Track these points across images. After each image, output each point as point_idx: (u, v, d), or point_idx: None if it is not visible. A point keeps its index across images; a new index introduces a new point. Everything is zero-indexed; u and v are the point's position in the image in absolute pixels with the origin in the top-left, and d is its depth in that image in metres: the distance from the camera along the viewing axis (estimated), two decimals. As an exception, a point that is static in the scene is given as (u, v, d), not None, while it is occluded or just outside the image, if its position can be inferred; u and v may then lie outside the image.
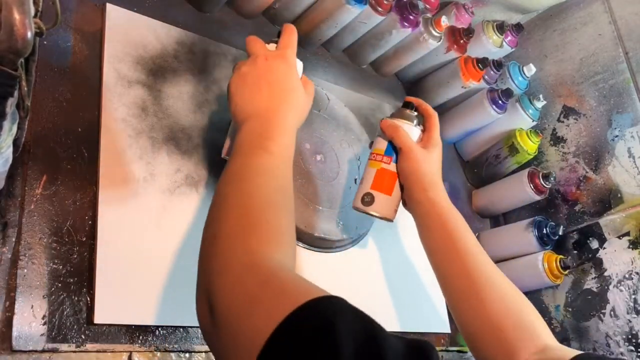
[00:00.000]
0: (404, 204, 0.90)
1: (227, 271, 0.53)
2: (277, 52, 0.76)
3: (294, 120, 0.73)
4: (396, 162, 0.88)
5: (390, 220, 0.89)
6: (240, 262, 0.52)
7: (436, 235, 0.82)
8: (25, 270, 0.65)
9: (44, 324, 0.64)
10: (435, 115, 0.92)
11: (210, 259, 0.57)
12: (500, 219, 1.39)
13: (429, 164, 0.86)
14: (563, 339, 1.20)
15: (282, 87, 0.73)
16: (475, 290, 0.75)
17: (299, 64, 0.80)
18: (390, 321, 1.00)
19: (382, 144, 0.90)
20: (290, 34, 0.79)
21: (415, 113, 0.92)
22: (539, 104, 1.29)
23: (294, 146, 0.71)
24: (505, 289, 0.76)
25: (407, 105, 0.92)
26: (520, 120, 1.29)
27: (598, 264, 1.20)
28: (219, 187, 0.64)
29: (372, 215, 0.89)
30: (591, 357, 0.62)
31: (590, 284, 1.20)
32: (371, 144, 0.94)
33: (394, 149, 0.88)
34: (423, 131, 0.92)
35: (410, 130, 0.89)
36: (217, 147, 0.90)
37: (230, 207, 0.60)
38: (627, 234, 1.16)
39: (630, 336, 1.11)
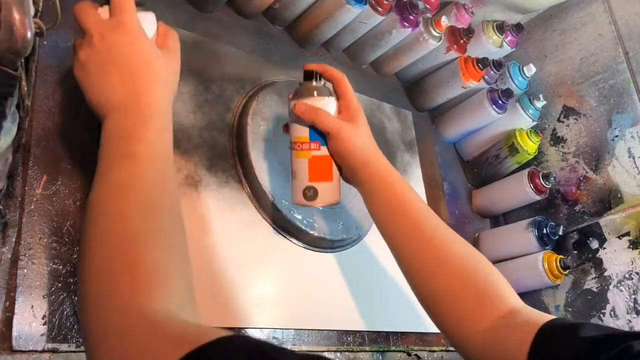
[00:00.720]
0: (346, 181, 0.82)
1: (105, 340, 0.45)
2: (113, 23, 0.61)
3: (161, 96, 0.62)
4: (325, 144, 0.78)
5: (336, 204, 0.81)
6: (115, 328, 0.45)
7: (385, 208, 0.76)
8: (25, 270, 0.64)
9: (44, 324, 0.64)
10: (343, 77, 0.82)
11: (85, 322, 0.49)
12: (500, 219, 1.39)
13: (361, 137, 0.77)
14: (563, 339, 1.20)
15: (132, 65, 0.60)
16: (433, 254, 0.70)
17: (148, 19, 0.66)
18: (390, 321, 1.00)
19: (302, 131, 0.78)
20: None
21: (323, 82, 0.81)
22: (539, 104, 1.29)
23: (170, 126, 0.62)
24: (464, 251, 0.71)
25: (310, 75, 0.80)
26: (520, 120, 1.29)
27: (598, 264, 1.20)
28: (87, 214, 0.54)
29: (317, 207, 0.81)
30: (565, 323, 0.57)
31: (590, 284, 1.20)
32: (286, 129, 0.84)
33: (319, 133, 0.78)
34: (337, 99, 0.81)
35: (327, 107, 0.78)
36: (217, 147, 0.90)
37: (93, 250, 0.51)
38: (627, 234, 1.16)
39: (630, 336, 1.11)
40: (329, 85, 0.82)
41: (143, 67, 0.61)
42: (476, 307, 0.66)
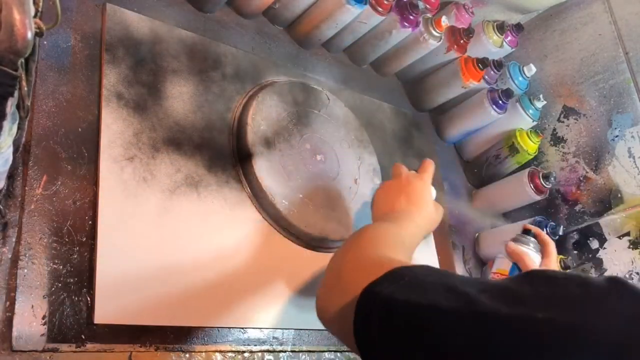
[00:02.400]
0: None
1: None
2: (417, 175, 0.90)
3: (421, 224, 0.81)
4: None
5: None
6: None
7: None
8: (26, 271, 0.64)
9: (44, 324, 0.64)
10: (552, 243, 0.98)
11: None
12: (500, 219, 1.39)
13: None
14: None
15: (417, 198, 0.85)
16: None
17: (433, 191, 0.92)
18: (390, 321, 1.00)
19: (505, 265, 0.98)
20: (429, 166, 0.94)
21: (534, 240, 0.98)
22: (539, 104, 1.29)
23: (413, 250, 0.75)
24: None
25: (527, 232, 0.99)
26: (520, 120, 1.29)
27: (598, 264, 1.20)
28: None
29: None
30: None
31: (591, 284, 1.20)
32: (491, 264, 1.01)
33: (519, 271, 0.95)
34: (542, 257, 0.97)
35: (534, 257, 0.96)
36: (217, 147, 0.90)
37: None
38: (627, 234, 1.16)
39: (630, 336, 1.11)
40: (538, 245, 0.99)
41: (422, 202, 0.84)
42: None
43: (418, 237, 0.79)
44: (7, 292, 0.63)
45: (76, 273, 0.68)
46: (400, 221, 0.78)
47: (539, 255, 0.97)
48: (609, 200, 1.21)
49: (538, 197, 1.24)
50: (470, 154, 1.39)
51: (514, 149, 1.27)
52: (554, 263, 0.97)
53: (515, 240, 0.99)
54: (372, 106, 1.23)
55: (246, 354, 0.80)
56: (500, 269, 0.99)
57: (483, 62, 1.22)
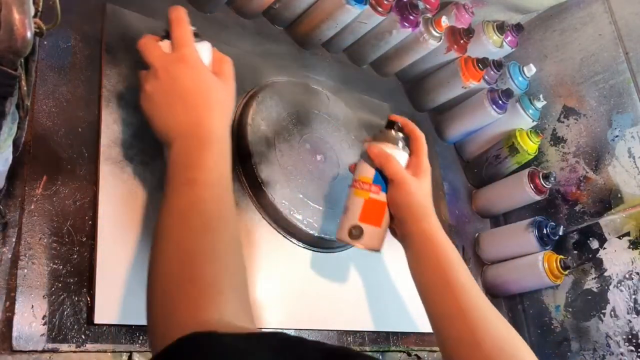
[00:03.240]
0: (393, 234, 0.85)
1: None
2: (175, 56, 0.69)
3: (219, 123, 0.68)
4: (385, 191, 0.82)
5: (378, 251, 0.83)
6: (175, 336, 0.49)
7: (429, 270, 0.77)
8: (26, 271, 0.64)
9: (44, 324, 0.64)
10: (422, 137, 0.87)
11: (153, 338, 0.57)
12: (500, 219, 1.39)
13: (421, 193, 0.81)
14: (563, 339, 1.20)
15: (194, 95, 0.67)
16: (470, 331, 0.71)
17: (205, 49, 0.72)
18: (391, 321, 1.00)
19: (369, 172, 0.83)
20: (180, 25, 0.70)
21: (401, 135, 0.86)
22: (539, 104, 1.29)
23: (229, 151, 0.67)
24: (499, 328, 0.73)
25: (392, 125, 0.86)
26: (520, 120, 1.29)
27: (598, 264, 1.20)
28: (153, 238, 0.62)
29: (359, 247, 0.82)
30: None
31: (591, 284, 1.20)
32: (353, 167, 0.88)
33: (383, 178, 0.82)
34: (410, 154, 0.86)
35: (399, 157, 0.83)
36: (217, 147, 0.89)
37: (156, 271, 0.59)
38: (627, 234, 1.16)
39: (630, 336, 1.11)
40: (406, 140, 0.87)
41: (204, 96, 0.67)
42: None
43: (222, 148, 0.67)
44: (7, 292, 0.63)
45: (76, 273, 0.68)
46: (192, 149, 0.65)
47: (406, 153, 0.85)
48: (609, 200, 1.21)
49: (538, 197, 1.24)
50: (470, 154, 1.39)
51: (514, 149, 1.27)
52: (424, 161, 0.84)
53: (377, 139, 0.85)
54: (372, 106, 1.23)
55: (246, 354, 0.80)
56: (363, 176, 0.83)
57: (483, 62, 1.22)
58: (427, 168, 0.84)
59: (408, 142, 0.87)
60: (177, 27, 0.70)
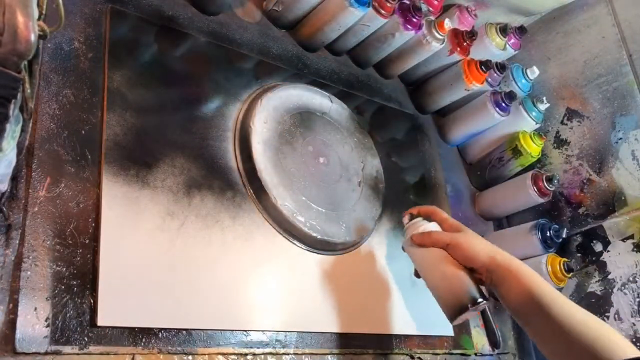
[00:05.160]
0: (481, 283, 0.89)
1: None
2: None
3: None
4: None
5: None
6: None
7: (518, 298, 0.81)
8: (29, 273, 0.65)
9: (47, 326, 0.64)
10: (435, 208, 0.96)
11: None
12: (503, 221, 1.39)
13: (476, 239, 0.88)
14: (567, 342, 1.19)
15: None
16: (567, 345, 0.75)
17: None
18: (393, 323, 1.00)
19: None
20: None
21: (420, 217, 0.94)
22: (542, 107, 1.29)
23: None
24: (594, 331, 0.75)
25: (412, 217, 0.95)
26: (523, 122, 1.29)
27: (602, 267, 1.19)
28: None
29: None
30: None
31: (594, 287, 1.20)
32: (416, 274, 0.95)
33: None
34: (440, 225, 0.93)
35: (432, 226, 0.92)
36: (220, 149, 0.90)
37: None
38: (631, 236, 1.16)
39: (634, 339, 1.11)
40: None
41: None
42: None
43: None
44: (10, 294, 0.63)
45: (79, 275, 0.68)
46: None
47: (435, 223, 0.93)
48: (612, 202, 1.21)
49: (541, 200, 1.23)
50: (474, 156, 1.39)
51: (517, 152, 1.26)
52: (454, 222, 0.93)
53: (407, 235, 0.94)
54: (375, 108, 1.23)
55: (249, 357, 0.80)
56: None
57: (486, 65, 1.22)
58: (461, 225, 0.92)
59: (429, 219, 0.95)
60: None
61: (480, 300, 0.84)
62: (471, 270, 0.86)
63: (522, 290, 0.80)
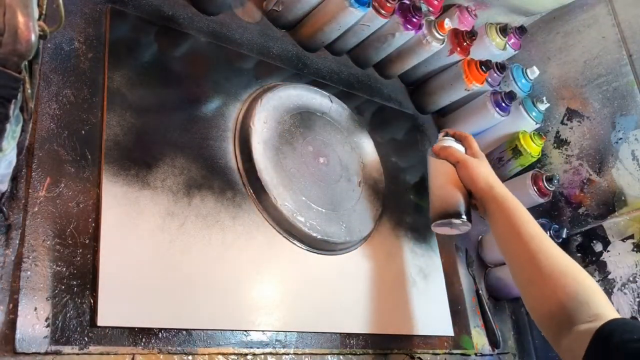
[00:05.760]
0: (474, 207, 1.00)
1: None
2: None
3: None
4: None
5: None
6: None
7: (504, 227, 0.90)
8: (29, 273, 0.65)
9: (47, 326, 0.64)
10: (469, 135, 1.06)
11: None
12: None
13: (484, 167, 0.98)
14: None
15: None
16: (539, 273, 0.82)
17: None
18: (393, 324, 1.00)
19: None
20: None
21: (453, 138, 1.05)
22: (543, 107, 1.29)
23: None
24: (565, 266, 0.81)
25: (447, 135, 1.06)
26: (523, 122, 1.29)
27: (602, 267, 1.19)
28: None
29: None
30: (619, 323, 0.68)
31: (594, 287, 1.20)
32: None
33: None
34: (465, 150, 1.03)
35: (457, 146, 1.02)
36: (220, 149, 0.90)
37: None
38: (631, 236, 1.16)
39: (634, 339, 1.11)
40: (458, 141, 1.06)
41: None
42: (575, 314, 0.75)
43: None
44: (10, 294, 0.63)
45: (79, 275, 0.68)
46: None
47: (460, 145, 1.03)
48: (612, 202, 1.21)
49: (541, 200, 1.23)
50: (474, 156, 1.39)
51: (517, 152, 1.26)
52: (478, 150, 1.03)
53: (438, 144, 1.05)
54: (375, 108, 1.23)
55: (249, 357, 0.80)
56: None
57: (486, 65, 1.22)
58: (482, 154, 1.02)
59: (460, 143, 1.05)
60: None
61: (464, 217, 0.95)
62: (470, 195, 0.98)
63: (508, 225, 0.89)
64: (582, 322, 0.73)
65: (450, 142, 1.03)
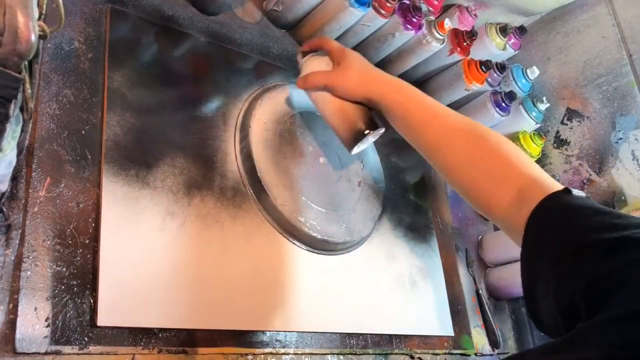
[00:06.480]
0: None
1: None
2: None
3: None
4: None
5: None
6: None
7: (404, 116, 0.82)
8: (29, 273, 0.65)
9: (47, 326, 0.64)
10: (322, 38, 0.94)
11: None
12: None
13: (348, 71, 0.87)
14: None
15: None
16: (451, 142, 0.76)
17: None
18: (393, 324, 1.00)
19: None
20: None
21: (313, 53, 0.93)
22: (543, 107, 1.29)
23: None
24: (466, 123, 0.78)
25: (304, 55, 0.94)
26: (523, 122, 1.29)
27: (602, 267, 1.19)
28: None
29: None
30: (561, 204, 0.59)
31: (594, 287, 1.19)
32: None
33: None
34: (328, 55, 0.92)
35: (318, 61, 0.91)
36: (220, 149, 0.90)
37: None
38: (631, 236, 1.16)
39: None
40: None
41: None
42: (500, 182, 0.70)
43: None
44: (10, 294, 0.63)
45: (79, 275, 0.68)
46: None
47: (320, 57, 0.92)
48: (612, 203, 1.21)
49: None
50: (474, 156, 1.39)
51: (517, 152, 1.26)
52: (340, 52, 0.90)
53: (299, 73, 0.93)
54: (375, 109, 1.23)
55: (249, 357, 0.80)
56: None
57: (486, 65, 1.22)
58: (343, 53, 0.89)
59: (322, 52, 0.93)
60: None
61: (368, 130, 0.88)
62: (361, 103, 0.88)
63: (408, 110, 0.81)
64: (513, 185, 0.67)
65: (308, 64, 0.92)
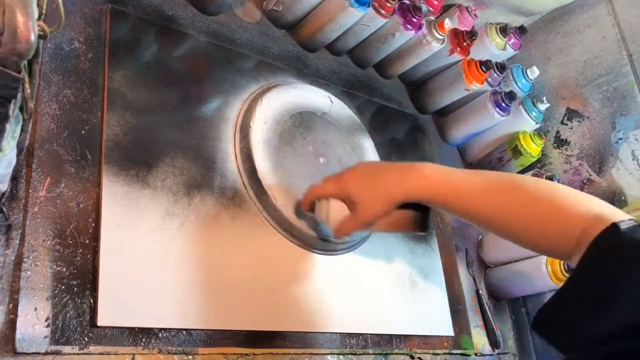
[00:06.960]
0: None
1: None
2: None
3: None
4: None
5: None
6: None
7: (464, 209, 0.77)
8: (29, 273, 0.65)
9: (47, 326, 0.64)
10: (309, 193, 0.88)
11: None
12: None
13: (372, 206, 0.81)
14: (567, 342, 1.19)
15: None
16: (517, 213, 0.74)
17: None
18: (393, 324, 1.00)
19: None
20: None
21: (315, 203, 0.88)
22: (543, 107, 1.29)
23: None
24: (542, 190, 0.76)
25: (311, 210, 0.89)
26: (523, 122, 1.29)
27: (602, 267, 1.19)
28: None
29: None
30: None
31: (594, 287, 1.19)
32: None
33: None
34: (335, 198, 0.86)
35: (333, 207, 0.85)
36: (220, 150, 0.90)
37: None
38: (632, 236, 1.16)
39: (634, 339, 1.11)
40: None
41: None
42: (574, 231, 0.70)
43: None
44: (10, 294, 0.63)
45: (79, 275, 0.68)
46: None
47: (329, 202, 0.85)
48: (612, 203, 1.21)
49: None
50: (474, 156, 1.39)
51: (517, 152, 1.27)
52: (339, 187, 0.84)
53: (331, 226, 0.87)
54: (375, 108, 1.23)
55: (249, 357, 0.80)
56: None
57: (486, 65, 1.22)
58: (343, 189, 0.83)
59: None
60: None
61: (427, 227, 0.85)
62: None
63: (462, 205, 0.76)
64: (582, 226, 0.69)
65: (325, 212, 0.85)
